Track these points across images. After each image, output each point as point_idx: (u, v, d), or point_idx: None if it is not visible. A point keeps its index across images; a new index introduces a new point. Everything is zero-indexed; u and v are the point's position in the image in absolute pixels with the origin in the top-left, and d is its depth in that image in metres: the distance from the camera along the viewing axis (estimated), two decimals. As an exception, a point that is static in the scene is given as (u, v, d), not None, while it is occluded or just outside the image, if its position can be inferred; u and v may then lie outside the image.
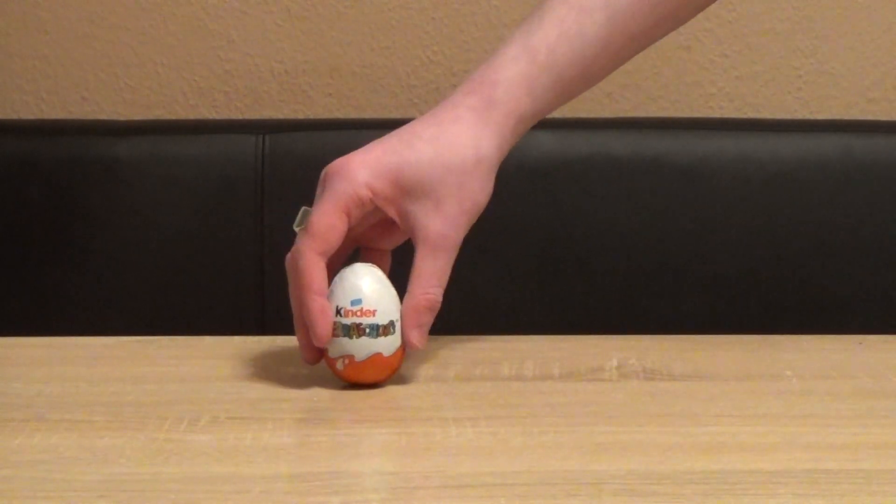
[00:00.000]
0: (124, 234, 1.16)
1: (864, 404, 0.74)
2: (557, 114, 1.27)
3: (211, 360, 0.83)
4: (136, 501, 0.59)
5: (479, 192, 0.79)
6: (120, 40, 1.27)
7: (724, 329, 0.93)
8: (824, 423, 0.70)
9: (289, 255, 0.78)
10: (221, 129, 1.19)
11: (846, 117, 1.27)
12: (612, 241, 1.15)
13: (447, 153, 0.77)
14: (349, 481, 0.61)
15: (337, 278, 0.76)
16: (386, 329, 0.75)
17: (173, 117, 1.28)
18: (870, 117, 1.27)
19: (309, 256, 0.75)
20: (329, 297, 0.76)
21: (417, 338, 0.76)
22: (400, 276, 0.79)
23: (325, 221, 0.76)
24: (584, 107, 1.27)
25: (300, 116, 1.28)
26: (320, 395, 0.75)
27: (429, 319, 0.77)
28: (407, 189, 0.77)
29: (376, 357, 0.75)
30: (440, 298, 0.77)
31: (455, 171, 0.77)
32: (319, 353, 0.77)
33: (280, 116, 1.28)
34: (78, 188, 1.16)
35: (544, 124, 1.18)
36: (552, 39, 0.80)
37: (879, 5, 1.26)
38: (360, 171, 0.77)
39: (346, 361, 0.75)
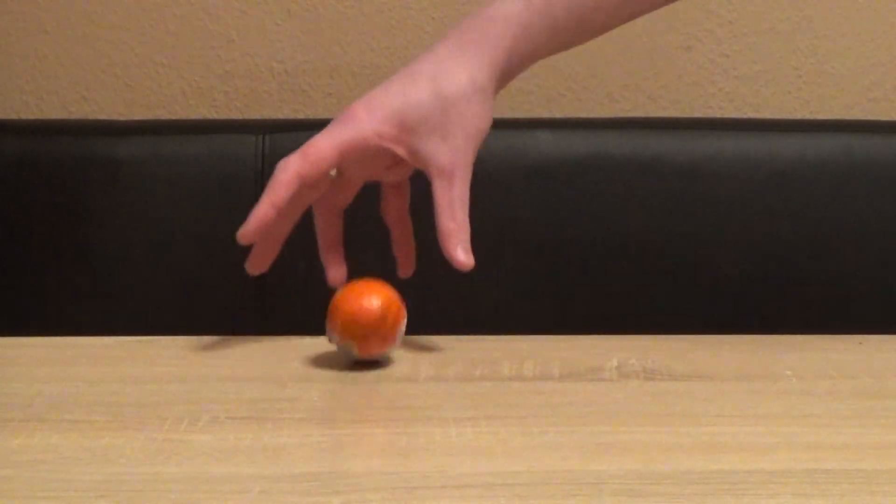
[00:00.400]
0: (124, 234, 1.16)
1: (864, 404, 0.74)
2: (557, 114, 1.27)
3: (211, 360, 0.83)
4: (136, 501, 0.59)
5: (480, 118, 0.84)
6: (120, 40, 1.27)
7: (724, 329, 0.93)
8: (824, 423, 0.70)
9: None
10: (221, 129, 1.19)
11: (846, 117, 1.27)
12: (611, 241, 1.15)
13: (446, 87, 0.83)
14: (349, 481, 0.61)
15: None
16: None
17: (173, 117, 1.28)
18: (870, 117, 1.27)
19: (289, 174, 0.82)
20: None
21: (463, 255, 0.81)
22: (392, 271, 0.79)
23: (321, 148, 0.83)
24: (584, 107, 1.27)
25: (300, 116, 1.28)
26: (320, 395, 0.75)
27: (465, 237, 0.82)
28: (413, 128, 0.82)
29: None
30: (467, 219, 0.82)
31: (456, 103, 0.82)
32: (260, 263, 0.86)
33: (280, 116, 1.28)
34: (78, 188, 1.16)
35: (544, 124, 1.19)
36: None
37: (879, 5, 1.26)
38: (367, 119, 0.83)
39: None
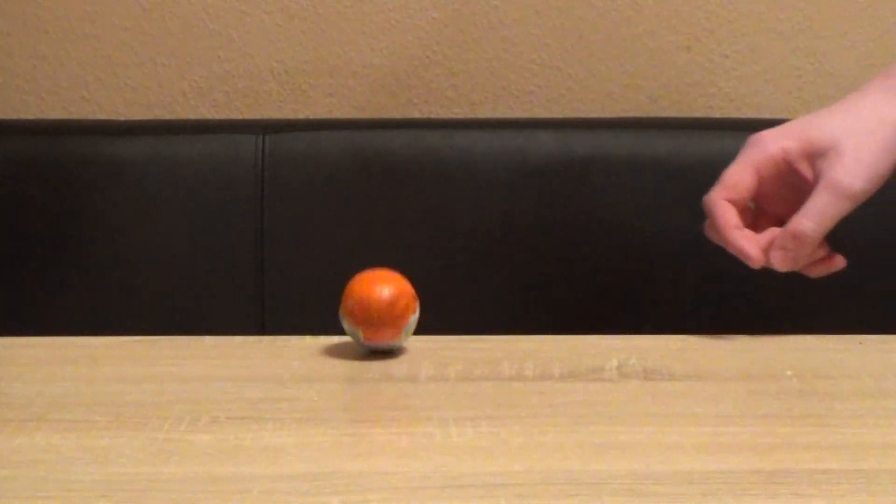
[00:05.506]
0: (124, 234, 1.16)
1: (864, 404, 0.74)
2: (557, 114, 1.27)
3: (211, 360, 0.83)
4: (136, 501, 0.59)
5: (877, 150, 0.86)
6: (120, 40, 1.27)
7: (724, 329, 0.93)
8: (824, 423, 0.70)
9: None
10: (221, 129, 1.19)
11: (846, 117, 1.27)
12: (611, 240, 1.15)
13: (851, 119, 0.88)
14: (349, 481, 0.61)
15: None
16: None
17: (173, 117, 1.28)
18: (870, 117, 1.27)
19: (718, 202, 0.90)
20: None
21: (777, 258, 0.87)
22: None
23: (735, 175, 0.90)
24: (584, 107, 1.27)
25: (300, 116, 1.28)
26: (320, 395, 0.75)
27: (792, 246, 0.87)
28: (814, 144, 0.88)
29: None
30: (808, 232, 0.86)
31: (856, 132, 0.87)
32: (762, 254, 0.88)
33: (280, 116, 1.28)
34: (78, 188, 1.16)
35: (544, 124, 1.19)
36: None
37: (879, 5, 1.26)
38: (772, 139, 0.90)
39: None
